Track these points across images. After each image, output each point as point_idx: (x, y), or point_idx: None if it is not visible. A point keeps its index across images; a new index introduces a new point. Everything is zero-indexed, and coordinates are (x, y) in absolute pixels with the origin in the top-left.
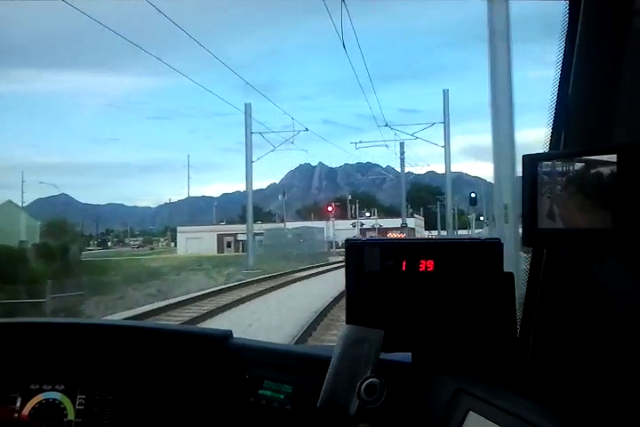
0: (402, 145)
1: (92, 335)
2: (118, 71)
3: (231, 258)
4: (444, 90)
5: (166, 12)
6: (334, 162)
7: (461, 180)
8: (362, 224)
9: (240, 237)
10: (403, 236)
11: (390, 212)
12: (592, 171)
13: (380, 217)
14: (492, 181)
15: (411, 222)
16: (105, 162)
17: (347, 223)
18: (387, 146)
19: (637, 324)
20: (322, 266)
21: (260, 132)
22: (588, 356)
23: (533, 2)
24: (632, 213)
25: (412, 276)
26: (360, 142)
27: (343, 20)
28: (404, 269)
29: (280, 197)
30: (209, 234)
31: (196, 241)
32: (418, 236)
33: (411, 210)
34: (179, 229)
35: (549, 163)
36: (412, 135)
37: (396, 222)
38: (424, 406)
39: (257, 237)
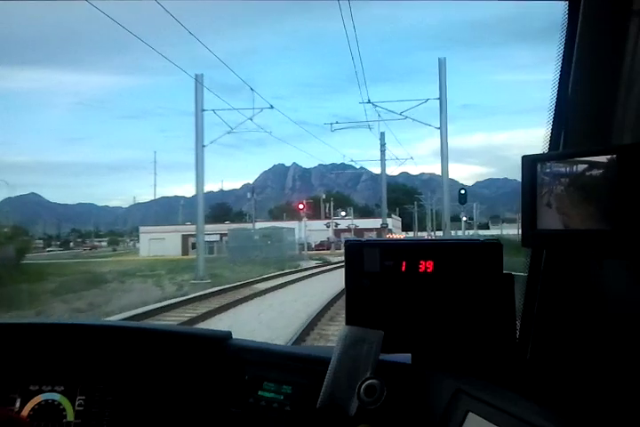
0: (382, 135)
1: (91, 336)
2: (90, 70)
3: (190, 261)
4: (439, 58)
5: (154, 9)
6: (308, 162)
7: (434, 181)
8: (337, 224)
9: (206, 238)
10: (403, 236)
11: (365, 212)
12: (591, 171)
13: (355, 217)
14: (466, 183)
15: (388, 223)
16: (76, 161)
17: (320, 224)
18: (370, 127)
19: (637, 324)
20: (292, 273)
21: (214, 110)
22: (587, 356)
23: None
24: (631, 213)
25: (412, 277)
26: (336, 123)
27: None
28: (403, 269)
29: (249, 194)
30: (174, 235)
31: (160, 242)
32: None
33: (387, 210)
34: (141, 229)
35: (549, 163)
36: (400, 114)
37: (374, 223)
38: (424, 407)
39: (224, 239)
